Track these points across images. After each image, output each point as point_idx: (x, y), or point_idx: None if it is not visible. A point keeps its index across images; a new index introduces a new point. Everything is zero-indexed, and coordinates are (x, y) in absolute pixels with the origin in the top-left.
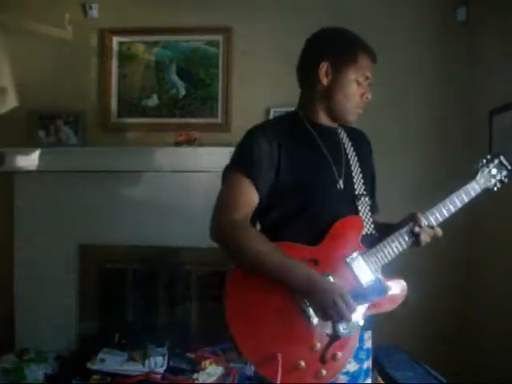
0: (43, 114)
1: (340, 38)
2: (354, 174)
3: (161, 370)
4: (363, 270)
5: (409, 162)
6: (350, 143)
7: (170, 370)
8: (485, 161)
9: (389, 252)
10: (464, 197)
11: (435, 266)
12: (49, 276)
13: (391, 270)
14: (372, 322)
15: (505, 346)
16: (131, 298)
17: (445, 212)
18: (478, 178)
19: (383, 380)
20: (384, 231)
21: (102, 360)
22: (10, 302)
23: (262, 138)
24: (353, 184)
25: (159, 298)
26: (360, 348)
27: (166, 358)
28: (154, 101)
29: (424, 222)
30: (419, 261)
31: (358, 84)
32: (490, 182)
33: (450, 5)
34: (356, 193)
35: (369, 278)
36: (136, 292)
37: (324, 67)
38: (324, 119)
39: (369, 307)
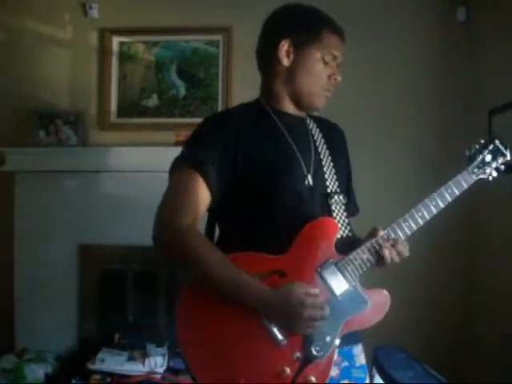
0: (43, 114)
1: (302, 14)
2: (325, 168)
3: (161, 370)
4: (338, 280)
5: (408, 162)
6: (321, 135)
7: (169, 370)
8: (478, 146)
9: (368, 259)
10: (454, 189)
11: (435, 266)
12: (49, 276)
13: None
14: (360, 334)
15: (504, 346)
16: (131, 298)
17: (419, 219)
18: (470, 167)
19: (383, 380)
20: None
21: (102, 360)
22: (10, 302)
23: (217, 127)
24: (324, 180)
25: (159, 298)
26: (351, 366)
27: (166, 358)
28: (154, 101)
29: (386, 237)
30: (419, 261)
31: (325, 64)
32: (485, 170)
33: (450, 5)
34: (328, 190)
35: (345, 289)
36: (136, 292)
37: (284, 46)
38: (289, 107)
39: (347, 323)
